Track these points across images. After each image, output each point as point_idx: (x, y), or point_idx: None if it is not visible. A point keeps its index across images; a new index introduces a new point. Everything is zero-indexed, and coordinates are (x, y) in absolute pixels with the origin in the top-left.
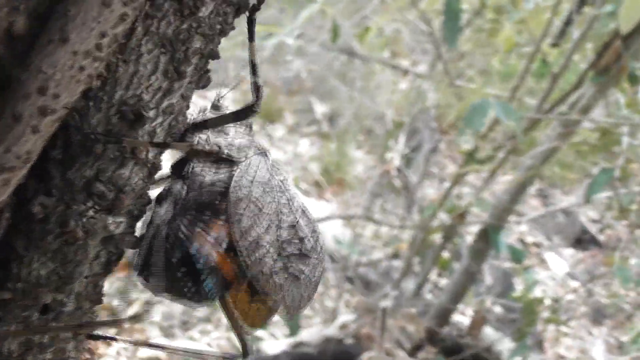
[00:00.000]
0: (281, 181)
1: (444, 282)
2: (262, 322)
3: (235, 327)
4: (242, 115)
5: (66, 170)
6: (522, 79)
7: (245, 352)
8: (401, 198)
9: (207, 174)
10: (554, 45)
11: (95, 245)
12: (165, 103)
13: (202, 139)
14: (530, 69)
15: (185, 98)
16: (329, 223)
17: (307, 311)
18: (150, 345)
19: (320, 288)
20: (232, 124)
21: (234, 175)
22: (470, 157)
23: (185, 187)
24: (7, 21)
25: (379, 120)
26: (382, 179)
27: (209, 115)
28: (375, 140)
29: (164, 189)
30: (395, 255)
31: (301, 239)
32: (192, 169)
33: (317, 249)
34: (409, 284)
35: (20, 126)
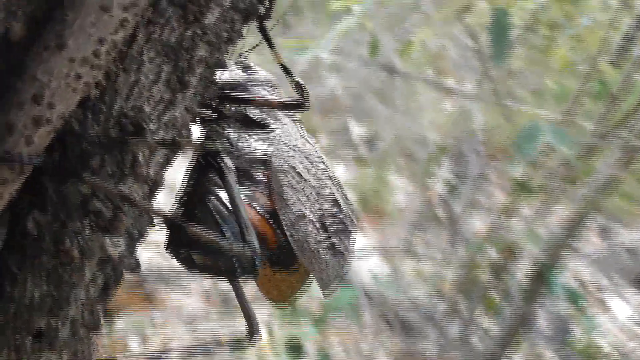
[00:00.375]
0: (315, 149)
1: (492, 325)
2: (289, 294)
3: (243, 302)
4: (290, 107)
5: (61, 185)
6: (577, 101)
7: (252, 330)
8: (445, 230)
9: (243, 139)
10: (613, 63)
11: (91, 267)
12: (167, 116)
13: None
14: (586, 90)
15: (190, 111)
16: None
17: (340, 354)
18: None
19: (353, 328)
20: (264, 87)
21: (271, 141)
22: (521, 186)
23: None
24: (3, 26)
25: (421, 143)
26: (423, 209)
27: (241, 78)
28: (416, 166)
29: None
30: (438, 295)
31: (342, 211)
32: (227, 132)
33: (354, 221)
34: (453, 327)
35: (14, 137)
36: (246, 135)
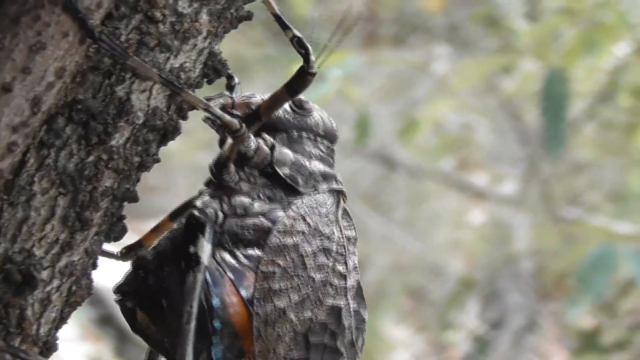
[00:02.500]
0: (347, 239)
1: None
2: None
3: None
4: (298, 84)
5: None
6: None
7: None
8: None
9: (257, 198)
10: None
11: None
12: (63, 261)
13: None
14: None
15: (91, 254)
16: None
17: None
18: None
19: None
20: (310, 136)
21: (289, 211)
22: (589, 341)
23: (223, 210)
24: None
25: (436, 275)
26: None
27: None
28: (428, 310)
29: (194, 204)
30: None
31: (341, 329)
32: (238, 182)
33: (355, 347)
34: None
35: None
36: (265, 193)
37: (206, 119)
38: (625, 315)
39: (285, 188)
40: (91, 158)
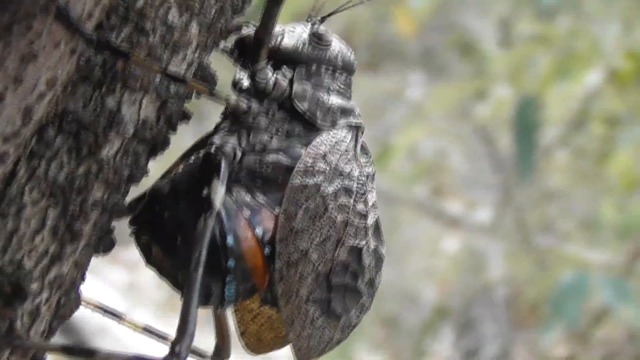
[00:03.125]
0: (366, 177)
1: None
2: (264, 348)
3: (220, 329)
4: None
5: None
6: None
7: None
8: None
9: (275, 133)
10: None
11: None
12: (53, 273)
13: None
14: None
15: (80, 267)
16: None
17: None
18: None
19: None
20: (328, 69)
21: (309, 148)
22: None
23: (240, 146)
24: None
25: (410, 303)
26: None
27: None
28: (402, 338)
29: (211, 141)
30: None
31: (362, 269)
32: (256, 118)
33: (373, 285)
34: None
35: None
36: (281, 129)
37: (222, 51)
38: (599, 345)
39: (304, 123)
40: (82, 169)
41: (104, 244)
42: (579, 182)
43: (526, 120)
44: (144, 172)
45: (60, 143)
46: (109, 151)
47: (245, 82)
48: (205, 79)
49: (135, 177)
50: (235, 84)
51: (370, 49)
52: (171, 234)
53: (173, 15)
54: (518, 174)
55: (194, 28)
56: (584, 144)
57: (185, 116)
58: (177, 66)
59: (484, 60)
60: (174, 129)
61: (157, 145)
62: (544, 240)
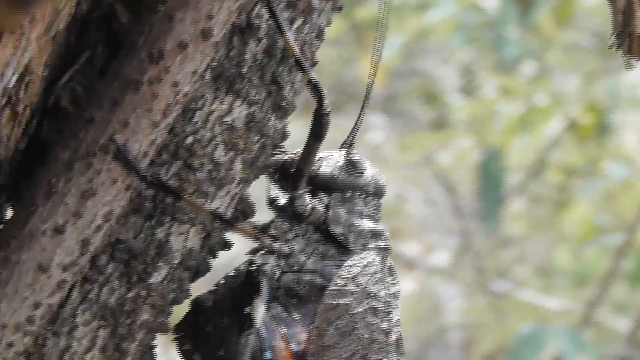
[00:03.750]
0: (392, 295)
1: None
2: None
3: None
4: (318, 128)
5: None
6: (604, 287)
7: None
8: None
9: (311, 254)
10: None
11: None
12: None
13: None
14: (619, 271)
15: None
16: None
17: None
18: None
19: None
20: (362, 195)
21: (340, 270)
22: None
23: (279, 266)
24: None
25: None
26: None
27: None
28: None
29: (252, 260)
30: None
31: None
32: (293, 238)
33: None
34: None
35: None
36: (317, 251)
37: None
38: None
39: (337, 245)
40: (131, 294)
41: (145, 359)
42: (535, 230)
43: (490, 173)
44: (188, 295)
45: (112, 270)
46: (157, 278)
47: (282, 202)
48: (244, 210)
49: (179, 300)
50: (272, 202)
51: (334, 91)
52: (214, 347)
53: (220, 153)
54: (482, 224)
55: (238, 165)
56: (541, 193)
57: (226, 245)
58: (220, 200)
59: (446, 108)
60: (215, 256)
61: (200, 272)
62: (501, 286)
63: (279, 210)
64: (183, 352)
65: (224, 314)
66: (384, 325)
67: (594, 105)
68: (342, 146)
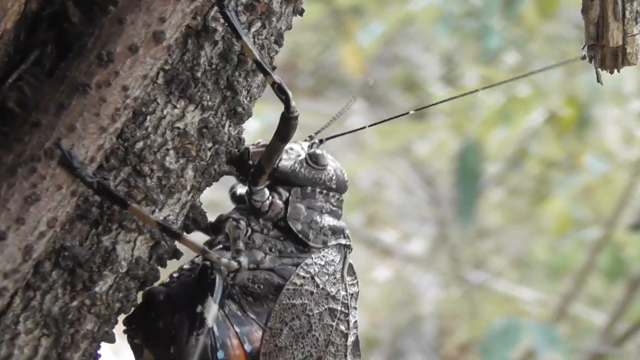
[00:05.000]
0: (350, 296)
1: None
2: None
3: None
4: (285, 129)
5: None
6: (580, 281)
7: None
8: None
9: (269, 251)
10: (635, 228)
11: None
12: None
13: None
14: (595, 265)
15: None
16: None
17: None
18: None
19: None
20: (323, 190)
21: (299, 269)
22: None
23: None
24: None
25: None
26: None
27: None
28: None
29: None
30: None
31: None
32: (250, 234)
33: None
34: None
35: None
36: (275, 248)
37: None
38: None
39: (296, 242)
40: (75, 303)
41: None
42: (513, 221)
43: (468, 166)
44: (134, 305)
45: (56, 277)
46: (102, 287)
47: (239, 191)
48: (196, 218)
49: (125, 309)
50: (230, 190)
51: (314, 76)
52: (164, 343)
53: (170, 160)
54: (458, 217)
55: (189, 172)
56: (519, 184)
57: (175, 255)
58: (170, 208)
59: (426, 96)
60: (164, 265)
61: (148, 281)
62: (477, 277)
63: (237, 200)
64: (134, 346)
65: (175, 310)
66: (342, 327)
67: (575, 99)
68: (307, 139)
